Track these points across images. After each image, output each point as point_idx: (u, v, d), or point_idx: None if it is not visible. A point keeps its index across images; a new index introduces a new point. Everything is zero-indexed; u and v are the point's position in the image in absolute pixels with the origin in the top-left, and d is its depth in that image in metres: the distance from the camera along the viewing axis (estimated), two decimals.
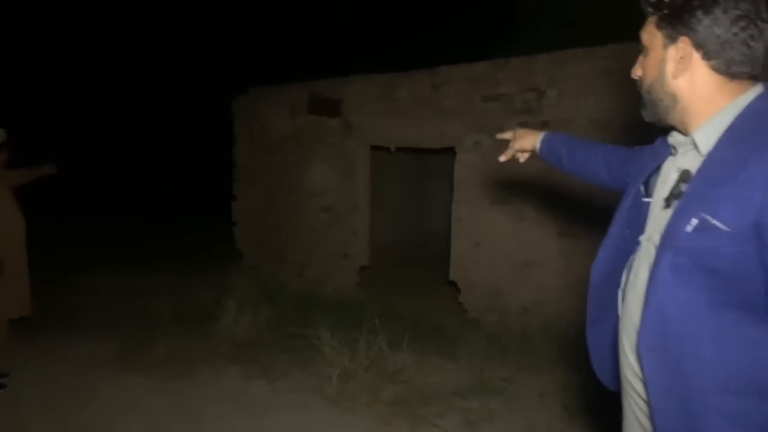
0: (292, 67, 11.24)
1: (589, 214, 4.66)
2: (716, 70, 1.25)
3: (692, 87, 1.28)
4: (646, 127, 1.47)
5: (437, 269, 7.03)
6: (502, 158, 2.07)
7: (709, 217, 1.14)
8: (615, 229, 1.50)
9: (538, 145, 1.95)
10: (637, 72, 1.42)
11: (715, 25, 1.20)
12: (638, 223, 1.42)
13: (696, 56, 1.26)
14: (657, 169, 1.43)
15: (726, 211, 1.12)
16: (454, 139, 5.68)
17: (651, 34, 1.35)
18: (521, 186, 5.28)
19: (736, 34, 1.20)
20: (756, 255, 1.11)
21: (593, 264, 1.52)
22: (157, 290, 6.56)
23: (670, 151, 1.42)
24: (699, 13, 1.21)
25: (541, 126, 5.11)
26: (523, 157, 2.06)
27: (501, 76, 5.36)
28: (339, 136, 6.65)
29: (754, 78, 1.26)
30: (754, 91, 1.25)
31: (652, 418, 1.28)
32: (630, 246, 1.44)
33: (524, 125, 5.20)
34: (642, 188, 1.44)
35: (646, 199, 1.42)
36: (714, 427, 1.16)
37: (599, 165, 1.81)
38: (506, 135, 2.06)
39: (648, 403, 1.30)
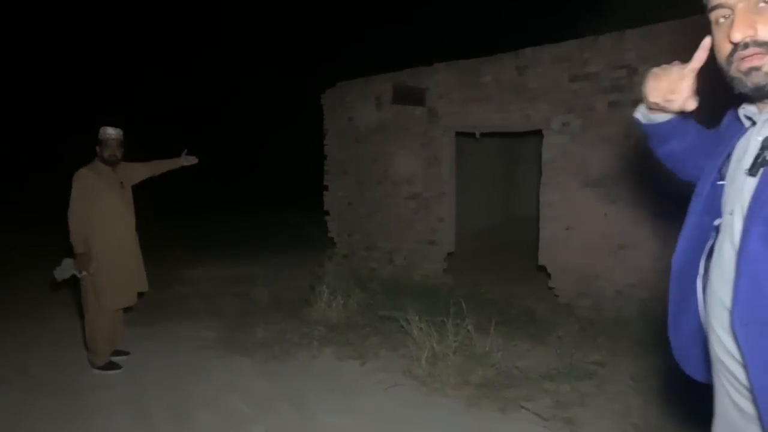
0: (377, 59, 11.45)
1: (687, 192, 4.42)
2: None
3: None
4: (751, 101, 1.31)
5: (525, 255, 6.94)
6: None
7: None
8: (693, 218, 1.42)
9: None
10: (748, 31, 1.18)
11: None
12: (714, 208, 1.35)
13: None
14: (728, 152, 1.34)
15: None
16: (541, 121, 5.58)
17: None
18: (613, 167, 5.10)
19: None
20: None
21: (673, 257, 1.45)
22: (256, 279, 6.92)
23: (740, 126, 1.34)
24: None
25: (632, 105, 4.90)
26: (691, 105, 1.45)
27: (588, 55, 5.20)
28: (424, 125, 6.72)
29: None
30: None
31: (754, 397, 1.22)
32: (706, 233, 1.37)
33: (615, 104, 5.04)
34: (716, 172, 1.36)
35: (720, 182, 1.34)
36: None
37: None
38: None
39: (748, 382, 1.23)
